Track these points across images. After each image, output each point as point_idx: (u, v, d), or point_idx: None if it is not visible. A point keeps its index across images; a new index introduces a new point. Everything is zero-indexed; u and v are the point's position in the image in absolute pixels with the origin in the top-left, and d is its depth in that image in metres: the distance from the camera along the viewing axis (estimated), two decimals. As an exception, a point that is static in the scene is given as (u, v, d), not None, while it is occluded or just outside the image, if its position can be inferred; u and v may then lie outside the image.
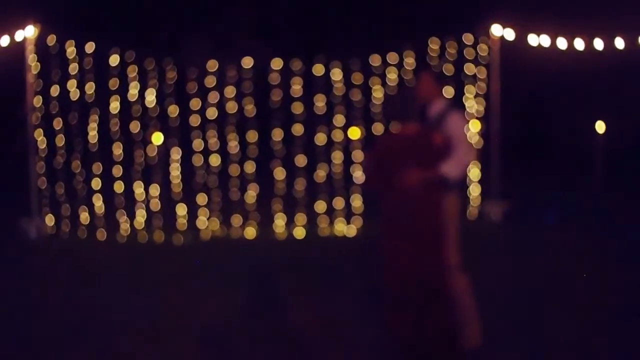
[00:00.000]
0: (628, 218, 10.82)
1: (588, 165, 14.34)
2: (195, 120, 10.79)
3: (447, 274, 5.07)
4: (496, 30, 10.75)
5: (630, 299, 6.70)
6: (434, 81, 5.59)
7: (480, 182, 11.05)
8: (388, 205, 5.03)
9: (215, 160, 10.79)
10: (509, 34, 10.72)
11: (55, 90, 10.29)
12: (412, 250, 4.88)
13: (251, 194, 10.75)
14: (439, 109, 5.52)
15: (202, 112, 10.79)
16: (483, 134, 11.04)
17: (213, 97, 10.74)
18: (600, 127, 13.72)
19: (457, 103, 10.09)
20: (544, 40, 10.76)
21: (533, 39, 10.78)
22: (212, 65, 10.62)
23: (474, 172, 10.96)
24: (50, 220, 10.37)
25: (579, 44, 10.70)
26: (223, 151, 10.84)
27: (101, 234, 10.26)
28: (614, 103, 16.84)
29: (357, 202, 10.73)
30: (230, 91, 10.76)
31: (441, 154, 5.03)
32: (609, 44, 10.82)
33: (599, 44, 10.72)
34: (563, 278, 7.57)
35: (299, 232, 10.38)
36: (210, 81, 10.69)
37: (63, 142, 10.40)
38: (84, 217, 10.45)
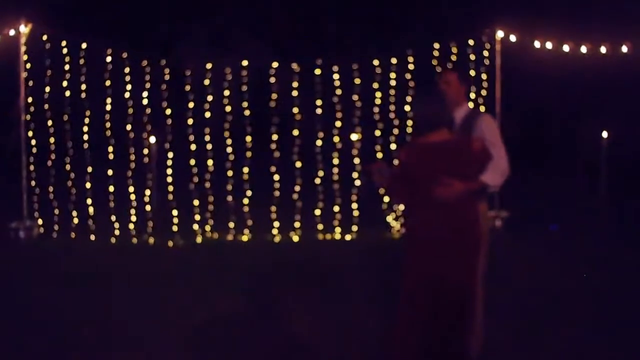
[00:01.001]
0: (632, 224, 10.66)
1: (591, 170, 14.19)
2: (190, 122, 10.57)
3: (476, 283, 4.76)
4: (499, 34, 10.59)
5: (635, 308, 6.48)
6: (460, 82, 5.20)
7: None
8: (419, 215, 4.64)
9: (210, 162, 10.56)
10: (512, 38, 10.57)
11: (47, 90, 10.09)
12: (446, 260, 4.53)
13: (247, 197, 10.52)
14: (465, 112, 5.17)
15: (197, 113, 10.57)
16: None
17: (209, 98, 10.52)
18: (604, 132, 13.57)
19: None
20: (548, 45, 10.62)
21: (537, 43, 10.64)
22: (209, 65, 10.42)
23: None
24: (40, 221, 10.14)
25: (584, 48, 10.56)
26: (219, 153, 10.60)
27: (92, 236, 10.02)
28: (619, 108, 16.71)
29: (355, 206, 10.50)
30: (226, 93, 10.56)
31: (481, 162, 4.68)
32: (614, 49, 10.68)
33: (603, 49, 10.58)
34: (565, 286, 7.36)
35: (296, 236, 10.17)
36: (206, 82, 10.48)
37: (54, 142, 10.19)
38: (75, 218, 10.21)
